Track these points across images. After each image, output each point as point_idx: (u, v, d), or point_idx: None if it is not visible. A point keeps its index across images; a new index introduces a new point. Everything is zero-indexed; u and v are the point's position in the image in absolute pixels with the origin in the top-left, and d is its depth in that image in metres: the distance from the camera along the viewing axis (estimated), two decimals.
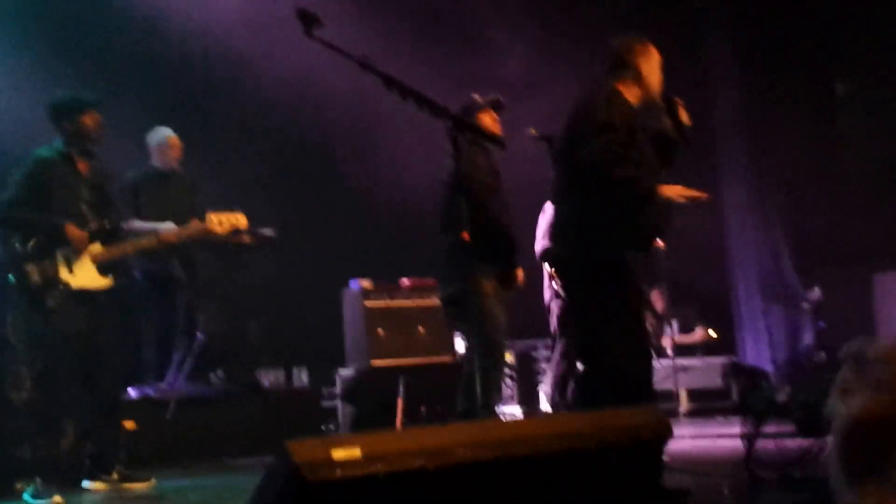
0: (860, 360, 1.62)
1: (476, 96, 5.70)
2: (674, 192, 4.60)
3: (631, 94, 4.72)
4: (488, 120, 5.65)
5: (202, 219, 6.65)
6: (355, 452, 2.97)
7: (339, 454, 2.95)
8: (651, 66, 4.79)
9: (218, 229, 5.89)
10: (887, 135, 8.80)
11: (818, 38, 9.09)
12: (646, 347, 4.71)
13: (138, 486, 5.70)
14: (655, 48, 4.84)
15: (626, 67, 4.74)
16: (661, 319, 9.42)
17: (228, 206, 6.05)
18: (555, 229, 4.93)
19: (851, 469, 1.58)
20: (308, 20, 3.84)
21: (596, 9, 8.86)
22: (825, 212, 8.96)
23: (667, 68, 4.83)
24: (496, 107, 5.75)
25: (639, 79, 4.73)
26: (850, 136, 9.19)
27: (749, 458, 5.25)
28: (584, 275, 4.64)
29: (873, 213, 8.71)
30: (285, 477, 2.91)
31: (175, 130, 7.62)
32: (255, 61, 8.49)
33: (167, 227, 6.84)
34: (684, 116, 4.89)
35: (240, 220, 5.95)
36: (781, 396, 6.04)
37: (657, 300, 9.42)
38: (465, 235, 4.88)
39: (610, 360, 4.56)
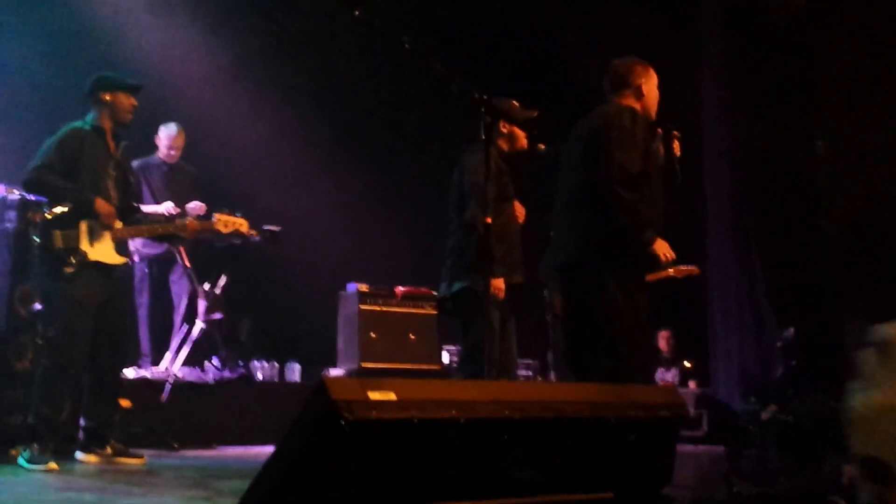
0: (886, 349, 1.66)
1: (515, 104, 5.74)
2: (662, 249, 4.77)
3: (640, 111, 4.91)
4: (520, 133, 5.79)
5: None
6: (390, 395, 3.05)
7: (375, 395, 3.02)
8: (650, 86, 4.98)
9: (223, 230, 5.99)
10: (863, 191, 9.10)
11: (803, 97, 9.40)
12: (648, 343, 4.87)
13: (131, 462, 5.71)
14: (654, 71, 5.02)
15: (628, 86, 4.93)
16: (662, 362, 9.58)
17: (233, 205, 6.20)
18: (562, 239, 5.03)
19: (873, 462, 1.60)
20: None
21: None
22: (803, 255, 9.21)
23: (663, 113, 4.99)
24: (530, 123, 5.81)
25: (640, 97, 4.92)
26: (828, 190, 9.48)
27: (729, 473, 5.38)
28: (596, 277, 4.77)
29: (847, 262, 8.97)
30: (321, 412, 2.94)
31: (184, 124, 7.78)
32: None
33: (166, 206, 6.96)
34: (677, 148, 5.06)
35: (242, 225, 6.03)
36: (766, 414, 6.21)
37: (662, 341, 9.58)
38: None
39: (629, 354, 4.73)
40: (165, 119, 7.76)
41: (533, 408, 3.31)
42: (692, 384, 9.36)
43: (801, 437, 6.35)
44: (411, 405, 3.03)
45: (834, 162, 9.16)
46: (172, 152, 7.71)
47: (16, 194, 6.08)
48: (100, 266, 5.62)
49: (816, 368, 8.32)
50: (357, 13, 4.02)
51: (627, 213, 4.66)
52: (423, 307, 8.08)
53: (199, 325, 7.10)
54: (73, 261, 5.49)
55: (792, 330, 8.87)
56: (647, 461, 3.62)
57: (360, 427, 2.88)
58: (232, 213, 5.99)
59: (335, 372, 7.85)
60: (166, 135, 7.71)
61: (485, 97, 4.32)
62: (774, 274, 9.21)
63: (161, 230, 6.09)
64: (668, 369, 9.57)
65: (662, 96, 5.08)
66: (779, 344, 8.91)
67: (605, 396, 3.57)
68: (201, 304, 7.21)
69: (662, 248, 4.73)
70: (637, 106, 4.89)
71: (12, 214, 6.08)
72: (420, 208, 8.93)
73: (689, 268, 7.06)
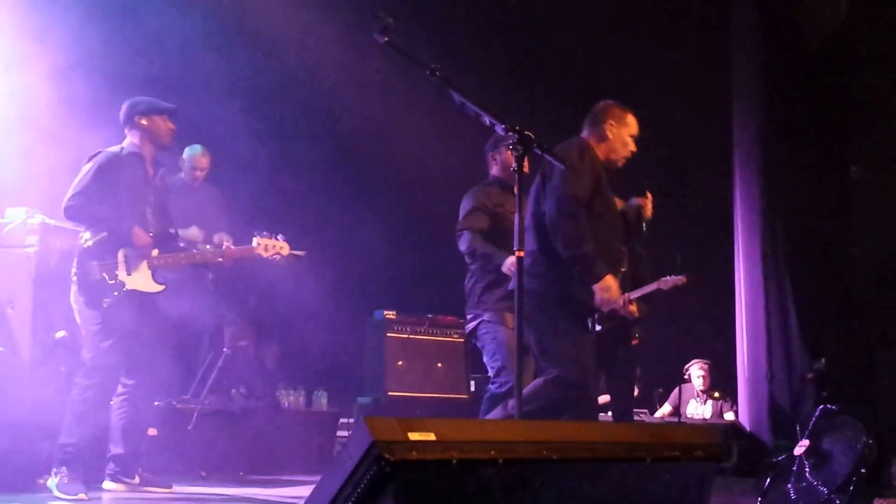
0: None
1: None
2: (608, 285, 4.79)
3: (598, 151, 5.04)
4: (509, 156, 5.63)
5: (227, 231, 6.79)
6: (430, 436, 3.04)
7: (415, 436, 3.01)
8: (621, 132, 5.08)
9: (263, 254, 5.87)
10: None
11: (837, 122, 9.34)
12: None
13: (158, 491, 5.70)
14: (634, 118, 5.11)
15: (595, 125, 5.09)
16: (697, 395, 9.48)
17: (261, 227, 6.05)
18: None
19: None
20: (381, 25, 4.00)
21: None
22: (835, 284, 9.11)
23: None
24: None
25: (604, 139, 5.04)
26: (863, 216, 9.39)
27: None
28: (544, 305, 4.88)
29: (881, 292, 8.87)
30: (362, 452, 2.96)
31: (208, 144, 7.80)
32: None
33: (193, 232, 6.93)
34: (648, 210, 5.21)
35: (283, 248, 5.90)
36: (799, 450, 6.16)
37: (697, 374, 9.48)
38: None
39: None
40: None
41: (571, 448, 3.30)
42: (728, 416, 9.27)
43: (833, 472, 6.29)
44: (451, 446, 3.03)
45: (868, 189, 9.08)
46: (197, 173, 7.70)
47: (37, 218, 6.05)
48: (137, 295, 5.60)
49: (848, 401, 8.22)
50: (386, 39, 4.01)
51: (569, 245, 4.76)
52: (450, 335, 8.07)
53: (225, 352, 7.07)
54: (112, 292, 5.48)
55: (823, 361, 8.76)
56: (682, 501, 3.59)
57: (400, 467, 2.89)
58: (272, 236, 5.88)
59: (362, 400, 7.82)
60: (190, 156, 7.70)
61: (517, 128, 4.30)
62: (806, 304, 9.12)
63: (199, 258, 5.95)
64: (703, 402, 9.47)
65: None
66: (810, 375, 8.80)
67: (641, 437, 3.55)
68: (228, 332, 7.19)
69: (605, 290, 4.76)
70: (597, 145, 5.02)
71: (33, 239, 6.04)
72: (449, 236, 8.91)
73: (676, 279, 6.88)
